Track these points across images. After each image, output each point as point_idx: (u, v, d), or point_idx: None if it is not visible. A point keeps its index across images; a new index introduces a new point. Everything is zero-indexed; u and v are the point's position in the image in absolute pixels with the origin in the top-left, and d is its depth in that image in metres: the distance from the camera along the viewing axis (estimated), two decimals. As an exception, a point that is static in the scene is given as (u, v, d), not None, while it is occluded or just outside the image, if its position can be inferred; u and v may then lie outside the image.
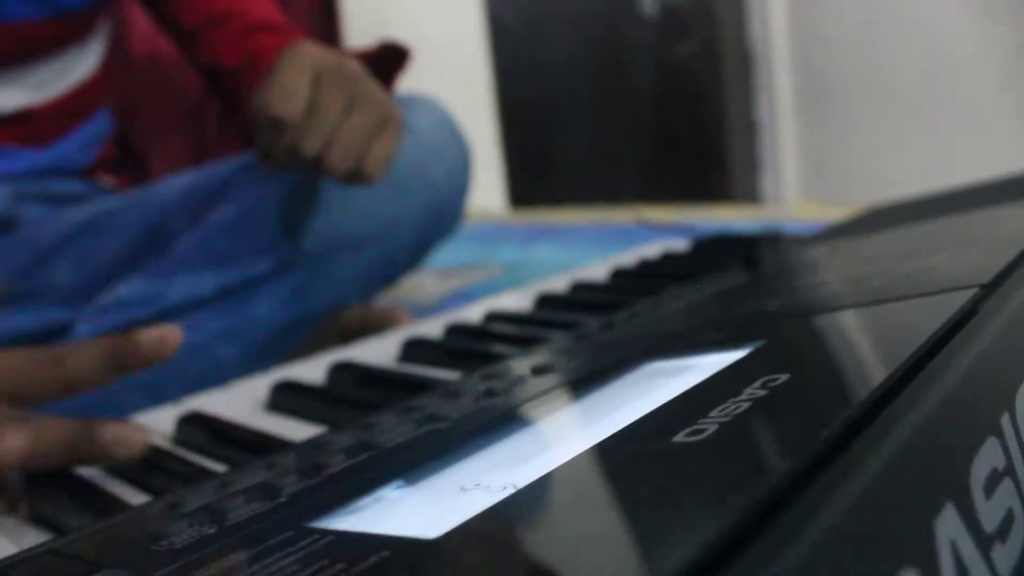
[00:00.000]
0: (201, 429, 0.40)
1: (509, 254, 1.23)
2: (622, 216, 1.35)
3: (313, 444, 0.29)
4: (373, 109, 0.55)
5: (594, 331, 0.40)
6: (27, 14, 0.73)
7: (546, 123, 2.03)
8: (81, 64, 0.82)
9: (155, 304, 0.62)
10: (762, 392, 0.20)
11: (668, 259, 0.66)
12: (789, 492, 0.15)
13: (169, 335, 0.35)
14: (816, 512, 0.14)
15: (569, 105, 2.02)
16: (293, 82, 0.52)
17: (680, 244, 0.73)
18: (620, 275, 0.64)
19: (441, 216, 0.74)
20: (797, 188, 2.20)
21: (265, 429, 0.41)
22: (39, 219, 0.78)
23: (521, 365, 0.33)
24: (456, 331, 0.52)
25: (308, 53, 0.54)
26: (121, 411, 0.55)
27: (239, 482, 0.27)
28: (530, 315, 0.54)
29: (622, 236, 1.22)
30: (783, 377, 0.20)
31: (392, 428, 0.28)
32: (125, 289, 0.64)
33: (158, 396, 0.61)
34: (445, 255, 1.26)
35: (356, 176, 0.56)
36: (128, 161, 1.12)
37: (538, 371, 0.31)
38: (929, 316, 0.24)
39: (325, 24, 1.52)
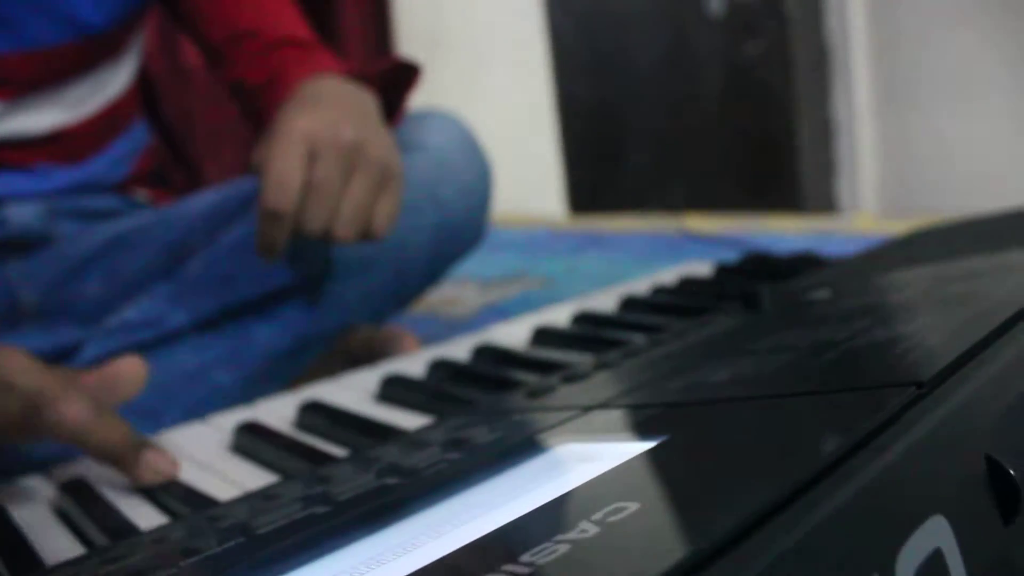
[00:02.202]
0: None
1: (553, 265, 1.21)
2: (677, 225, 1.31)
3: (205, 517, 0.28)
4: (373, 169, 0.54)
5: (551, 385, 0.37)
6: (55, 39, 0.74)
7: (608, 127, 1.99)
8: (113, 82, 0.84)
9: (157, 327, 0.62)
10: (592, 531, 0.17)
11: (682, 288, 0.63)
12: None
13: None
14: None
15: (632, 108, 1.97)
16: (286, 168, 0.51)
17: (704, 268, 0.69)
18: (629, 305, 0.61)
19: (455, 236, 0.72)
20: (876, 196, 2.09)
21: (219, 476, 0.40)
22: (72, 235, 0.80)
23: (439, 434, 0.31)
24: (439, 368, 0.50)
25: (298, 128, 0.52)
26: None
27: (122, 558, 0.26)
28: (519, 353, 0.52)
29: (669, 248, 1.18)
30: (632, 508, 0.18)
31: (279, 507, 0.26)
32: (132, 312, 0.64)
33: (156, 421, 0.62)
34: (488, 265, 1.24)
35: (363, 238, 0.55)
36: (180, 170, 1.14)
37: (450, 445, 0.29)
38: (843, 424, 0.21)
39: (378, 29, 1.52)
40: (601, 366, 0.39)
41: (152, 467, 0.39)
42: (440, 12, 1.75)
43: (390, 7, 1.56)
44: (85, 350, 0.63)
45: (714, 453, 0.21)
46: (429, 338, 0.71)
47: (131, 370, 0.43)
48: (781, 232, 1.21)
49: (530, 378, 0.44)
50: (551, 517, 0.18)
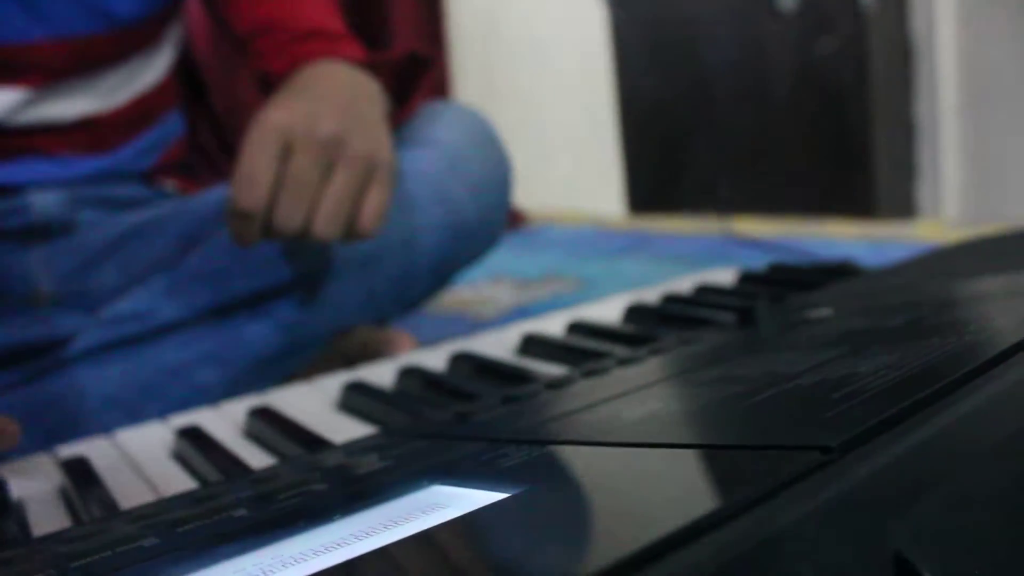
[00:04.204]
0: (77, 478, 0.37)
1: (593, 267, 1.16)
2: (726, 229, 1.24)
3: (60, 538, 0.25)
4: (356, 165, 0.51)
5: (489, 406, 0.33)
6: (86, 28, 0.73)
7: (672, 126, 1.92)
8: (147, 73, 0.83)
9: (148, 321, 0.61)
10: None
11: (694, 298, 0.58)
12: None
13: None
14: None
15: (698, 106, 1.90)
16: (256, 165, 0.48)
17: (727, 275, 0.64)
18: (634, 314, 0.56)
19: (467, 237, 0.69)
20: (959, 201, 1.96)
21: (147, 483, 0.38)
22: (94, 223, 0.79)
23: (333, 458, 0.28)
24: (408, 376, 0.47)
25: (271, 121, 0.50)
26: (97, 429, 0.54)
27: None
28: (497, 362, 0.48)
29: (717, 252, 1.12)
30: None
31: (122, 535, 0.24)
32: (125, 304, 0.63)
33: (135, 416, 0.60)
34: (529, 264, 1.20)
35: (349, 236, 0.52)
36: (228, 160, 1.14)
37: (327, 474, 0.26)
38: (715, 492, 0.16)
39: (431, 23, 1.49)
40: (552, 386, 0.35)
41: None
42: (492, 10, 1.71)
43: (443, 1, 1.54)
44: (76, 342, 0.62)
45: (551, 516, 0.17)
46: (451, 339, 0.68)
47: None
48: (840, 238, 1.14)
49: (500, 391, 0.40)
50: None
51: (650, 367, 0.34)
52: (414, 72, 0.68)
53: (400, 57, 0.66)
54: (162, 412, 0.57)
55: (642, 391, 0.28)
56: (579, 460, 0.21)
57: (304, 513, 0.22)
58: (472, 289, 1.10)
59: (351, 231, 0.52)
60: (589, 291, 1.01)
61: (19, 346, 0.64)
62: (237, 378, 0.60)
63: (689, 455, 0.19)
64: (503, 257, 1.18)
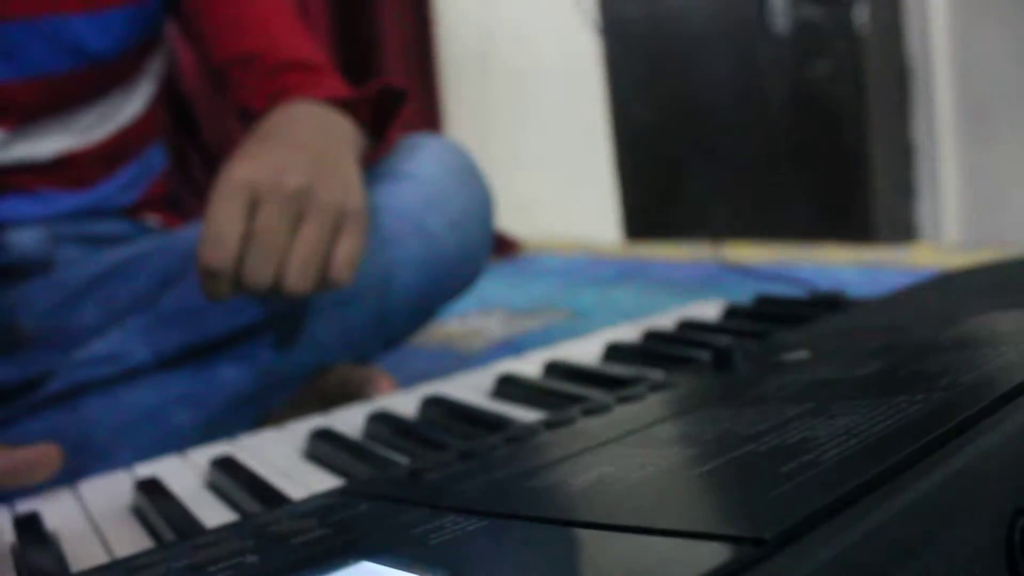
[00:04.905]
0: (25, 536, 0.36)
1: (586, 297, 1.15)
2: (719, 256, 1.23)
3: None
4: (325, 214, 0.50)
5: (444, 462, 0.32)
6: (60, 66, 0.73)
7: (667, 150, 1.92)
8: (126, 107, 0.83)
9: (121, 363, 0.60)
10: None
11: (675, 335, 0.57)
12: None
13: None
14: None
15: (692, 130, 1.89)
16: (223, 224, 0.48)
17: (712, 309, 0.63)
18: (613, 352, 0.55)
19: (447, 271, 0.68)
20: (959, 222, 1.95)
21: (100, 542, 0.37)
22: (74, 261, 0.79)
23: (277, 521, 0.27)
24: (377, 422, 0.46)
25: (237, 177, 0.49)
26: (70, 475, 0.53)
27: None
28: (470, 408, 0.47)
29: (711, 280, 1.11)
30: None
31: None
32: (100, 345, 0.62)
33: (109, 461, 0.59)
34: (522, 294, 1.19)
35: (322, 287, 0.51)
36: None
37: (264, 542, 0.24)
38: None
39: (421, 49, 1.49)
40: (512, 439, 0.34)
41: None
42: (488, 31, 1.71)
43: (433, 26, 1.53)
44: (50, 384, 0.61)
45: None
46: (435, 374, 0.67)
47: (46, 458, 0.41)
48: (836, 263, 1.12)
49: (464, 441, 0.39)
50: None
51: (612, 419, 0.33)
52: (391, 104, 0.67)
53: (374, 92, 0.66)
54: (136, 455, 0.56)
55: (597, 450, 0.27)
56: (505, 540, 0.20)
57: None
58: (461, 321, 1.09)
59: (323, 282, 0.52)
60: (581, 322, 1.00)
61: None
62: (212, 419, 0.59)
63: (616, 540, 0.18)
64: (495, 287, 1.17)
